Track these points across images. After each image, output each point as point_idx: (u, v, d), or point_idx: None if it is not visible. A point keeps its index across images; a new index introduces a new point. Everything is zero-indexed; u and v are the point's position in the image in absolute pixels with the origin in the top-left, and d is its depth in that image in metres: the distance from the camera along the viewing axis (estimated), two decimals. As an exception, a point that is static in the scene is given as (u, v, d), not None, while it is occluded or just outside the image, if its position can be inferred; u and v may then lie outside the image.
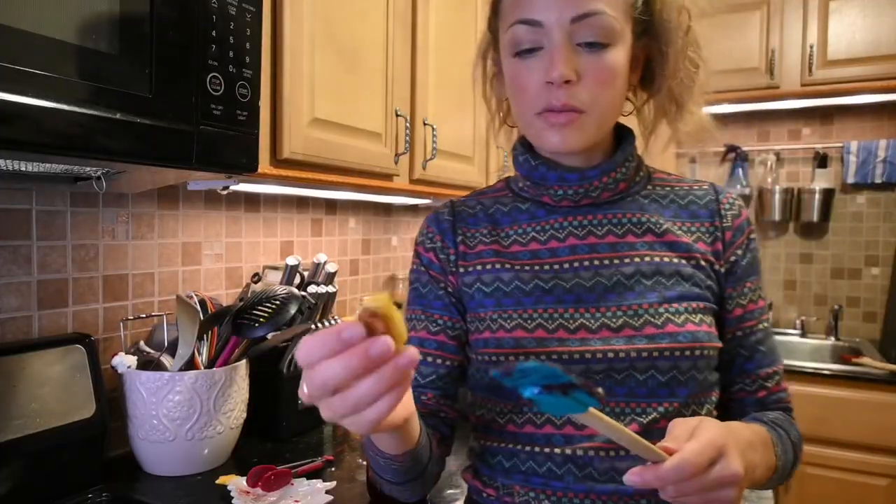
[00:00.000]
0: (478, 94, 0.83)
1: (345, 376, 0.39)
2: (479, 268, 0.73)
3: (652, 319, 0.65)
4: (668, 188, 0.75)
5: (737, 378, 0.74)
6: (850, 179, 2.51)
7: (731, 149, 2.72)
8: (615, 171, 0.71)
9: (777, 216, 2.60)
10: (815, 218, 2.54)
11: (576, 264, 0.70)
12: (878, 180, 2.46)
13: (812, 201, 2.53)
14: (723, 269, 0.72)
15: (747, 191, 2.68)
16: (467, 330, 0.74)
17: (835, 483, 1.99)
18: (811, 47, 2.31)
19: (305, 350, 0.40)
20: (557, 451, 0.65)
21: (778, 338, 2.52)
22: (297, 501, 0.95)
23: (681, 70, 0.70)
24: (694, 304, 0.67)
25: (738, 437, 0.57)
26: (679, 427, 0.54)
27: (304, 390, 0.41)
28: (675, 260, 0.69)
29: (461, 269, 0.74)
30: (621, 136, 0.76)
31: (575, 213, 0.72)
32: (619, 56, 0.65)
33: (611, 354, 0.64)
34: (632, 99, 0.78)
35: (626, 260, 0.69)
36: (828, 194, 2.53)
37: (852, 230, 2.57)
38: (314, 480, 1.02)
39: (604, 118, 0.67)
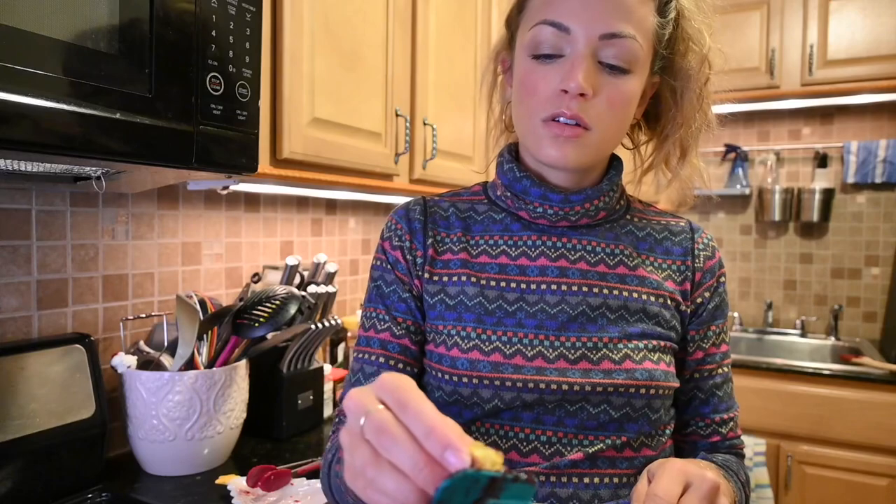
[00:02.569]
0: (482, 95, 0.80)
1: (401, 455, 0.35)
2: (444, 278, 0.70)
3: (610, 354, 0.65)
4: (645, 220, 0.75)
5: (690, 420, 0.74)
6: (850, 179, 2.51)
7: (731, 149, 2.72)
8: (599, 198, 0.70)
9: (777, 216, 2.60)
10: (815, 218, 2.54)
11: (543, 286, 0.68)
12: (878, 180, 2.46)
13: (812, 201, 2.53)
14: (688, 310, 0.72)
15: (747, 191, 2.68)
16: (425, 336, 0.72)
17: (835, 483, 1.99)
18: (811, 47, 2.31)
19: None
20: None
21: (778, 338, 2.55)
22: (296, 501, 0.95)
23: (695, 121, 0.70)
24: (654, 343, 0.67)
25: (697, 462, 0.56)
26: (638, 486, 0.52)
27: (361, 423, 0.36)
28: (644, 297, 0.68)
29: (426, 275, 0.71)
30: (610, 163, 0.74)
31: (550, 232, 0.71)
32: (634, 85, 0.64)
33: (565, 387, 0.63)
34: (630, 134, 0.77)
35: (595, 290, 0.68)
36: (828, 194, 2.53)
37: (852, 230, 2.57)
38: (314, 480, 1.02)
39: (606, 142, 0.66)
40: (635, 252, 0.71)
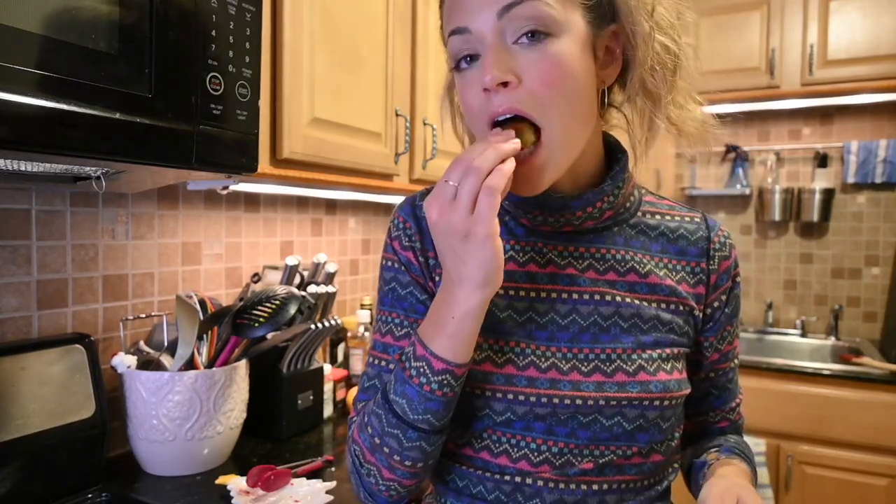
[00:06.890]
0: (461, 134, 0.77)
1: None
2: None
3: (623, 366, 0.63)
4: (658, 217, 0.71)
5: (702, 410, 0.77)
6: (851, 179, 2.51)
7: (731, 149, 2.72)
8: (601, 200, 0.65)
9: (777, 216, 2.60)
10: (816, 218, 2.54)
11: (553, 295, 0.65)
12: (878, 180, 2.46)
13: (812, 201, 2.53)
14: (701, 315, 0.70)
15: (747, 191, 2.68)
16: None
17: (835, 483, 1.99)
18: (811, 47, 2.31)
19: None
20: (507, 478, 0.64)
21: (778, 338, 2.55)
22: (297, 501, 0.95)
23: (650, 56, 0.60)
24: (668, 351, 0.65)
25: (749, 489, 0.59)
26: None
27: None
28: (656, 304, 0.66)
29: (437, 279, 0.67)
30: (614, 155, 0.69)
31: (555, 239, 0.67)
32: (565, 48, 0.56)
33: (579, 401, 0.62)
34: (613, 102, 0.69)
35: (608, 298, 0.65)
36: (828, 194, 2.53)
37: (852, 230, 2.57)
38: (314, 480, 1.02)
39: (563, 122, 0.58)
40: (647, 255, 0.68)
